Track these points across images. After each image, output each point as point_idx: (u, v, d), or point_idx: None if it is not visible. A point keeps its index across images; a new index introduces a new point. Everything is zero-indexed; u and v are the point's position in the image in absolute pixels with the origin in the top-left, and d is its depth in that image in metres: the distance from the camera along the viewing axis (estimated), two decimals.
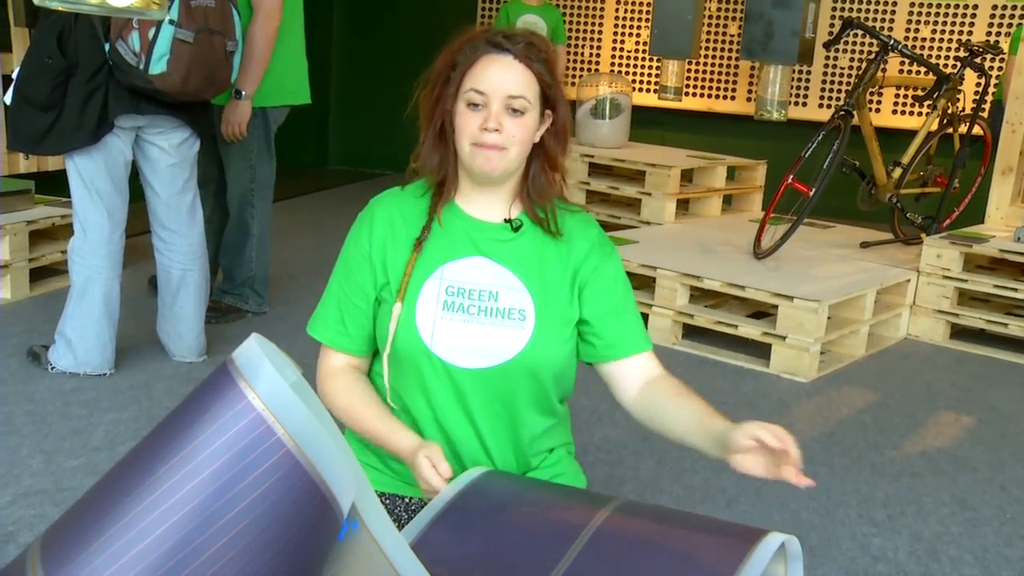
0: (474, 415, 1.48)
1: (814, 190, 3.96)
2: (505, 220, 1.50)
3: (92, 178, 2.81)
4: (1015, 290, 3.83)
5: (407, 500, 1.55)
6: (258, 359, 0.90)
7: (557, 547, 1.08)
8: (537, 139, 1.48)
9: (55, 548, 0.82)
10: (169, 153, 2.93)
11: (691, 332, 3.76)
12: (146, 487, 0.77)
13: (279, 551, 0.82)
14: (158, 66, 2.65)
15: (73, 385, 2.87)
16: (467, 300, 1.45)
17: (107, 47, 2.67)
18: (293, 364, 0.94)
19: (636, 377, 1.51)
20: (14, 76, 2.77)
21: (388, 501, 1.53)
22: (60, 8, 1.41)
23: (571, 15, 6.80)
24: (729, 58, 6.52)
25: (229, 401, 0.83)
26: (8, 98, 2.77)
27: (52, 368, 2.92)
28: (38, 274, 3.78)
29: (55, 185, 4.03)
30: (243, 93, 3.24)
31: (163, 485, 0.80)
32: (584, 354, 1.55)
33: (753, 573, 1.00)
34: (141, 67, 2.64)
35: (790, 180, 3.97)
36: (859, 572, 2.19)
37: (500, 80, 1.41)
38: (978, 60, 4.50)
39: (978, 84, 5.20)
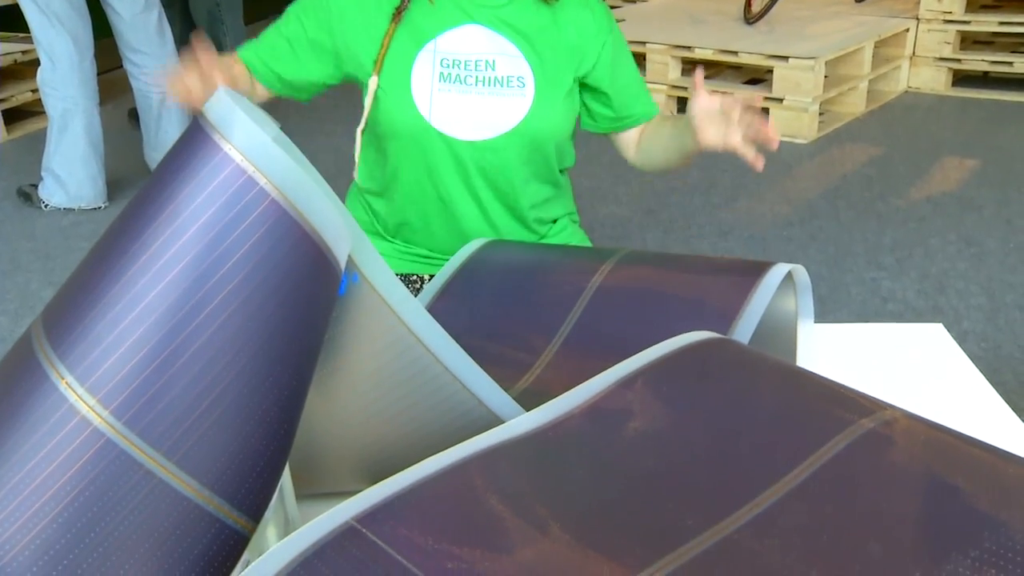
0: (476, 188, 1.46)
1: None
2: None
3: (48, 1, 2.68)
4: (1022, 25, 3.70)
5: (424, 279, 1.54)
6: (231, 111, 0.86)
7: (563, 306, 1.08)
8: None
9: (56, 320, 0.81)
10: None
11: (686, 105, 3.68)
12: (135, 249, 0.76)
13: (280, 303, 0.81)
14: None
15: (70, 220, 2.85)
16: (463, 71, 1.40)
17: None
18: (272, 120, 0.89)
19: (639, 134, 1.51)
20: None
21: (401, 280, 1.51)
22: None
23: None
24: None
25: (205, 156, 0.79)
26: None
27: (45, 206, 2.90)
28: (12, 116, 3.68)
29: (7, 20, 3.85)
30: None
31: (152, 245, 0.78)
32: (596, 124, 1.52)
33: (760, 304, 0.99)
34: None
35: None
36: (870, 314, 2.22)
37: None
38: None
39: None
